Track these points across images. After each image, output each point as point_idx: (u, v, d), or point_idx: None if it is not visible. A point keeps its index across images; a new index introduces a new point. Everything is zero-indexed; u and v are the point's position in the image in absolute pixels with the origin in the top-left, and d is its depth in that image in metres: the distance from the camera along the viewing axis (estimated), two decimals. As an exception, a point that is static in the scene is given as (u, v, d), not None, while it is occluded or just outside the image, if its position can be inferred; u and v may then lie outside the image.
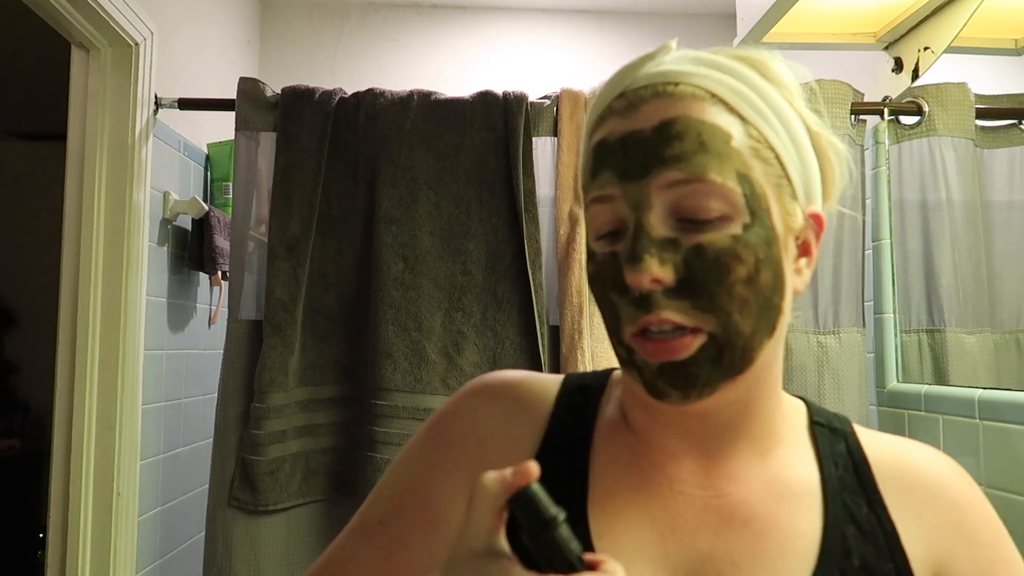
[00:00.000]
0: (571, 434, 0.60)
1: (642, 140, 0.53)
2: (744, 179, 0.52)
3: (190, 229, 1.91)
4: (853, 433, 0.61)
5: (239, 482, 1.57)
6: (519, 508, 0.45)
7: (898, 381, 1.69)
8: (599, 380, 0.65)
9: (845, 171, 0.59)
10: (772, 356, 0.56)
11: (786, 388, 0.62)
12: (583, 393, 0.63)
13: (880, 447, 0.60)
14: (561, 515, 0.45)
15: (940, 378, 1.59)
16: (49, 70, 2.33)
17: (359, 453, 1.59)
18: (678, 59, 0.56)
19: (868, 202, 1.76)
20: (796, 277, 0.56)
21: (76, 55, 1.64)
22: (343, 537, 0.64)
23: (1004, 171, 1.50)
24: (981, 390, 1.41)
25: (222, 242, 1.87)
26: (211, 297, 2.10)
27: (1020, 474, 1.31)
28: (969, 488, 0.59)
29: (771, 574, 0.54)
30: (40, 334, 2.75)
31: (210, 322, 2.11)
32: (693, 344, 0.51)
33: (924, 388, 1.58)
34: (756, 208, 0.52)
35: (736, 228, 0.51)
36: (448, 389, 1.59)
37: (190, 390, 1.99)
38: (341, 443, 1.63)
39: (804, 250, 0.56)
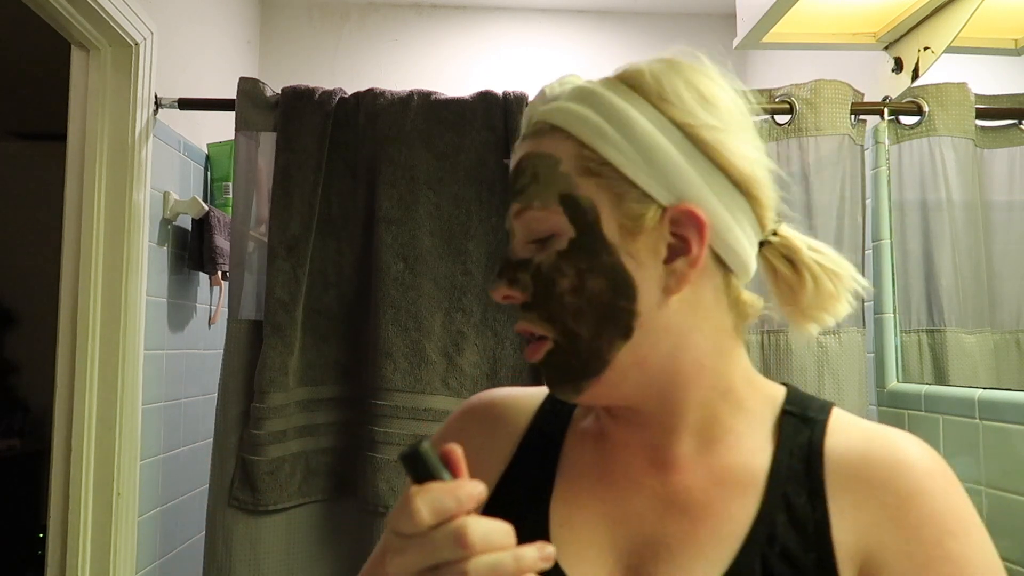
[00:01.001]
0: (545, 438, 0.67)
1: (511, 177, 0.62)
2: (568, 198, 0.58)
3: (190, 229, 1.91)
4: (824, 423, 0.60)
5: (239, 482, 1.57)
6: (408, 464, 0.47)
7: (898, 381, 1.69)
8: None
9: (744, 152, 0.61)
10: (661, 354, 0.58)
11: None
12: (562, 402, 0.68)
13: (846, 438, 0.59)
14: (447, 476, 0.47)
15: (940, 378, 1.59)
16: (49, 70, 2.33)
17: (359, 453, 1.59)
18: (554, 96, 0.63)
19: (868, 202, 1.76)
20: (670, 277, 0.57)
21: (76, 55, 1.64)
22: (374, 554, 0.70)
23: (1004, 171, 1.50)
24: (981, 390, 1.41)
25: (222, 242, 1.87)
26: (211, 297, 2.10)
27: (1020, 474, 1.31)
28: (922, 480, 0.55)
29: (698, 557, 0.56)
30: (40, 334, 2.75)
31: (210, 322, 2.10)
32: (542, 349, 0.59)
33: (924, 388, 1.58)
34: (582, 221, 0.57)
35: (562, 244, 0.58)
36: (448, 389, 1.59)
37: (190, 390, 1.99)
38: (341, 443, 1.63)
39: (683, 248, 0.57)
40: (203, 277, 2.04)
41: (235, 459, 1.59)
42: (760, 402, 0.62)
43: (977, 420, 1.41)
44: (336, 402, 1.64)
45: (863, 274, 1.69)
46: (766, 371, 1.68)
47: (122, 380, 1.61)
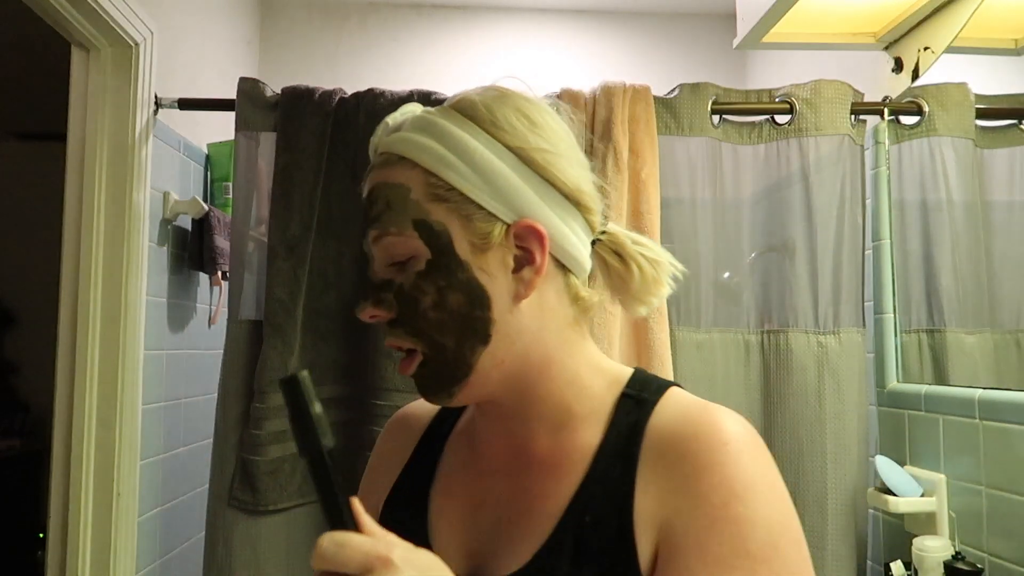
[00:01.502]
0: (435, 439, 0.76)
1: (365, 204, 0.68)
2: (421, 223, 0.64)
3: (190, 229, 1.91)
4: (654, 402, 0.65)
5: (239, 482, 1.57)
6: (285, 390, 0.51)
7: (898, 381, 1.69)
8: None
9: (581, 172, 0.68)
10: (515, 354, 0.65)
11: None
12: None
13: (667, 416, 0.64)
14: (318, 408, 0.51)
15: (940, 378, 1.59)
16: (49, 70, 2.33)
17: (359, 453, 1.59)
18: (395, 126, 0.68)
19: (868, 202, 1.76)
20: (518, 284, 0.64)
21: (76, 55, 1.64)
22: None
23: (1004, 171, 1.50)
24: (981, 390, 1.41)
25: (222, 242, 1.87)
26: (211, 297, 2.10)
27: (1020, 474, 1.31)
28: (717, 453, 0.59)
29: (525, 533, 0.64)
30: (40, 334, 2.75)
31: (210, 322, 2.10)
32: (414, 363, 0.65)
33: (924, 388, 1.58)
34: (436, 243, 0.63)
35: (420, 265, 0.64)
36: (448, 389, 1.59)
37: (190, 390, 1.99)
38: (341, 443, 1.63)
39: (528, 259, 0.64)
40: (203, 277, 2.04)
41: (235, 459, 1.59)
42: (604, 387, 0.68)
43: (977, 420, 1.41)
44: (336, 402, 1.64)
45: (863, 274, 1.70)
46: (766, 371, 1.68)
47: (122, 380, 1.61)
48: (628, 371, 0.69)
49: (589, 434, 0.65)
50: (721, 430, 0.61)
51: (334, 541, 0.49)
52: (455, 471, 0.72)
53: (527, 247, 0.64)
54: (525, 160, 0.65)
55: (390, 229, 0.65)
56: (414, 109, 0.69)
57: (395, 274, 0.65)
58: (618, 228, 0.72)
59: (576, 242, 0.67)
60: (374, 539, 0.50)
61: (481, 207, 0.64)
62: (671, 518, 0.58)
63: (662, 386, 0.67)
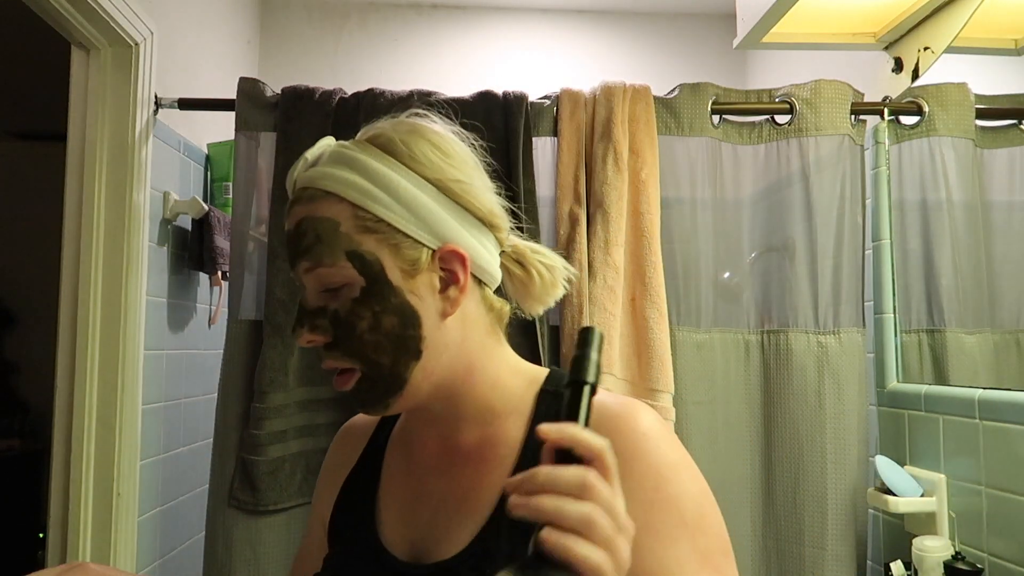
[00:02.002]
0: (376, 446, 0.83)
1: (290, 239, 0.71)
2: (353, 254, 0.68)
3: (190, 229, 1.91)
4: None
5: (239, 482, 1.57)
6: (584, 335, 0.57)
7: (898, 381, 1.69)
8: None
9: (482, 195, 0.73)
10: (443, 365, 0.71)
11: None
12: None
13: (596, 405, 0.69)
14: (597, 355, 0.57)
15: (940, 378, 1.59)
16: (49, 70, 2.33)
17: (359, 453, 1.59)
18: (316, 161, 0.72)
19: (868, 202, 1.76)
20: (445, 303, 0.70)
21: (76, 55, 1.64)
22: (300, 552, 0.90)
23: (1004, 171, 1.50)
24: (981, 390, 1.41)
25: (222, 242, 1.87)
26: (211, 297, 2.10)
27: (1020, 474, 1.31)
28: (641, 443, 0.67)
29: (463, 521, 0.70)
30: (40, 334, 2.75)
31: (210, 322, 2.10)
32: (352, 380, 0.69)
33: (924, 388, 1.58)
34: (369, 272, 0.68)
35: (355, 292, 0.68)
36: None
37: (190, 390, 1.99)
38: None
39: (452, 279, 0.71)
40: (203, 277, 2.04)
41: (235, 459, 1.59)
42: (524, 386, 0.75)
43: (977, 420, 1.41)
44: (336, 402, 1.64)
45: (863, 274, 1.70)
46: (766, 371, 1.68)
47: (122, 380, 1.61)
48: (544, 371, 0.78)
49: (513, 428, 0.73)
50: (639, 422, 0.69)
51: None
52: (395, 473, 0.78)
53: (451, 269, 0.70)
54: (443, 190, 0.71)
55: (323, 261, 0.68)
56: (329, 143, 0.75)
57: (328, 300, 0.69)
58: (519, 240, 0.78)
59: (489, 258, 0.74)
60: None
61: (408, 236, 0.69)
62: None
63: (576, 380, 0.70)
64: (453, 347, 0.71)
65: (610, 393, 0.73)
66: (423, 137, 0.74)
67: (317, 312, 0.70)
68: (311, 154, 0.73)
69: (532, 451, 0.69)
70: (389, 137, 0.74)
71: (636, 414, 0.69)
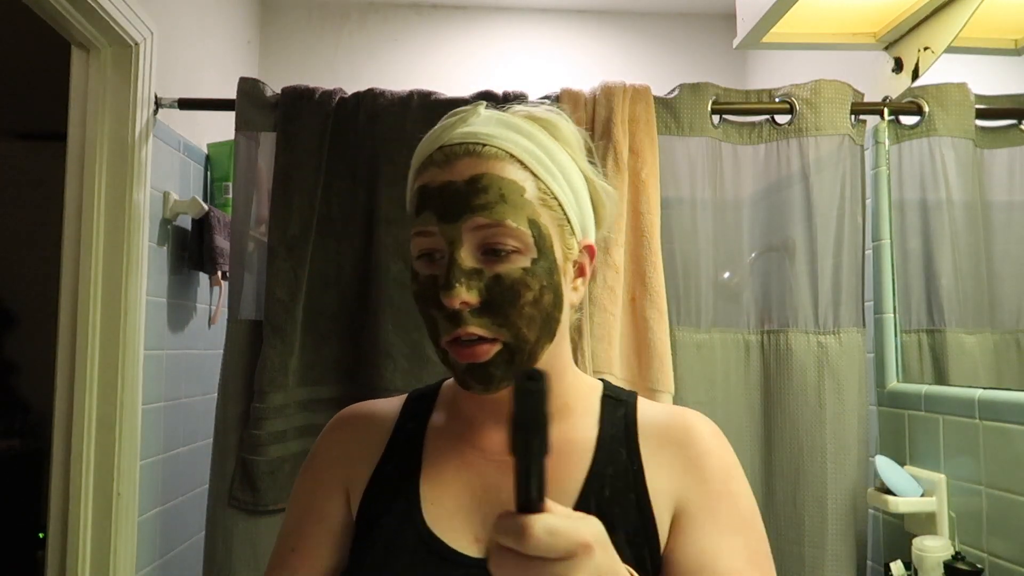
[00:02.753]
0: (410, 433, 0.79)
1: (456, 190, 0.67)
2: (533, 223, 0.68)
3: (190, 229, 1.91)
4: (634, 403, 0.78)
5: (239, 482, 1.57)
6: (523, 390, 0.48)
7: (898, 381, 1.69)
8: (432, 389, 0.83)
9: (613, 208, 0.78)
10: (556, 352, 0.73)
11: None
12: (420, 401, 0.82)
13: (652, 413, 0.77)
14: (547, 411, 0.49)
15: (940, 378, 1.59)
16: (49, 70, 2.33)
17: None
18: (486, 121, 0.70)
19: (868, 202, 1.76)
20: (573, 293, 0.73)
21: (76, 55, 1.64)
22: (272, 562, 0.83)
23: (1004, 171, 1.50)
24: (981, 390, 1.41)
25: (222, 242, 1.87)
26: (211, 297, 2.10)
27: (1020, 474, 1.31)
28: (711, 441, 0.74)
29: None
30: (40, 334, 2.75)
31: (210, 322, 2.10)
32: (491, 351, 0.67)
33: (924, 388, 1.58)
34: (542, 246, 0.68)
35: (526, 262, 0.67)
36: (448, 389, 1.59)
37: (190, 390, 1.99)
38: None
39: (579, 272, 0.74)
40: (203, 277, 2.04)
41: (235, 459, 1.59)
42: (587, 388, 0.79)
43: (977, 420, 1.41)
44: (336, 402, 1.64)
45: (863, 274, 1.70)
46: (766, 371, 1.68)
47: (122, 380, 1.61)
48: (597, 380, 0.81)
49: (585, 428, 0.75)
50: (705, 425, 0.76)
51: (547, 529, 0.48)
52: (445, 466, 0.75)
53: (582, 261, 0.74)
54: (589, 185, 0.74)
55: (506, 221, 0.66)
56: (494, 114, 0.72)
57: (485, 264, 0.67)
58: None
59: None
60: (574, 522, 0.50)
61: (569, 222, 0.71)
62: (682, 493, 0.71)
63: (631, 392, 0.80)
64: (560, 338, 0.73)
65: (663, 404, 0.79)
66: (575, 129, 0.75)
67: (473, 273, 0.67)
68: (483, 111, 0.72)
69: (607, 448, 0.73)
70: (559, 123, 0.73)
71: (699, 418, 0.76)
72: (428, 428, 0.79)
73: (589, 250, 0.75)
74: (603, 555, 0.51)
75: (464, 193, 0.67)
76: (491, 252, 0.67)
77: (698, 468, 0.72)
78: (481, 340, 0.67)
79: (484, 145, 0.68)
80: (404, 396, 0.84)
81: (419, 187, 0.71)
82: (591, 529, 0.51)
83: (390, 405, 0.83)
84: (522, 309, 0.67)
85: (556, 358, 0.74)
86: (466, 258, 0.67)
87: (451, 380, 0.83)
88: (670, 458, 0.73)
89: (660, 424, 0.75)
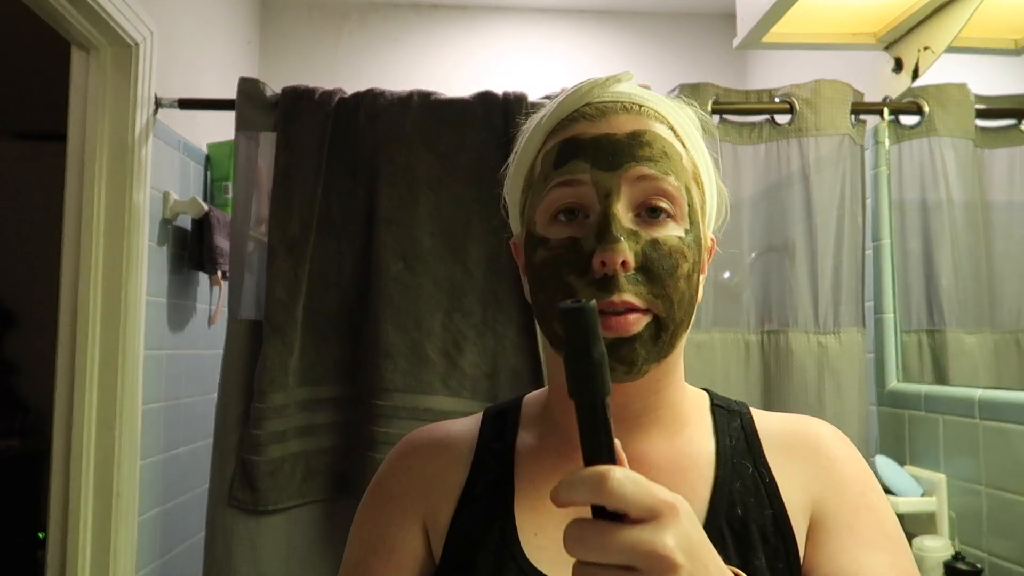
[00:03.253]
0: (497, 453, 0.69)
1: (616, 141, 0.61)
2: (689, 192, 0.62)
3: (190, 229, 1.91)
4: (748, 413, 0.71)
5: (239, 482, 1.57)
6: (570, 322, 0.41)
7: (898, 381, 1.69)
8: (513, 404, 0.74)
9: (724, 209, 0.71)
10: (682, 348, 0.65)
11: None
12: (501, 418, 0.72)
13: (770, 421, 0.70)
14: (601, 348, 0.42)
15: (940, 378, 1.59)
16: (49, 70, 2.33)
17: (359, 453, 1.59)
18: (633, 86, 0.66)
19: (868, 202, 1.76)
20: (698, 287, 0.64)
21: (76, 55, 1.64)
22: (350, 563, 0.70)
23: (1004, 171, 1.50)
24: (981, 390, 1.41)
25: (222, 242, 1.87)
26: (211, 297, 2.10)
27: (1020, 474, 1.31)
28: (842, 448, 0.68)
29: None
30: (40, 334, 2.75)
31: (210, 322, 2.10)
32: (641, 322, 0.58)
33: (924, 388, 1.58)
34: (694, 218, 0.62)
35: (680, 231, 0.60)
36: (448, 390, 1.59)
37: (190, 390, 1.99)
38: (341, 443, 1.63)
39: (702, 267, 0.65)
40: (203, 277, 2.04)
41: (235, 459, 1.59)
42: (695, 399, 0.71)
43: (977, 420, 1.41)
44: (336, 402, 1.64)
45: (863, 274, 1.70)
46: (766, 371, 1.68)
47: (122, 380, 1.61)
48: (700, 389, 0.73)
49: (701, 439, 0.67)
50: (833, 431, 0.69)
51: (629, 478, 0.41)
52: (543, 487, 0.65)
53: (704, 260, 0.66)
54: (713, 184, 0.69)
55: (670, 176, 0.60)
56: (636, 84, 0.68)
57: (639, 226, 0.59)
58: None
59: None
60: (652, 487, 0.43)
61: (705, 211, 0.66)
62: (819, 503, 0.64)
63: (739, 401, 0.73)
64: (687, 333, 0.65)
65: (779, 413, 0.72)
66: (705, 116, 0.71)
67: (631, 234, 0.59)
68: (618, 76, 0.66)
69: (731, 461, 0.66)
70: (698, 116, 0.69)
71: (829, 425, 0.70)
72: (516, 448, 0.69)
73: (712, 248, 0.69)
74: (693, 528, 0.43)
75: (626, 145, 0.60)
76: (647, 214, 0.60)
77: (833, 478, 0.65)
78: (629, 310, 0.58)
79: (641, 106, 0.64)
80: (478, 415, 0.74)
81: (563, 141, 0.62)
82: (677, 498, 0.43)
83: (465, 426, 0.73)
84: (678, 282, 0.59)
85: (677, 358, 0.66)
86: (619, 214, 0.59)
87: (535, 394, 0.74)
88: (801, 468, 0.66)
89: (785, 432, 0.68)
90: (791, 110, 1.70)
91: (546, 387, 0.72)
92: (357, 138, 1.65)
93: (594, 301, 0.42)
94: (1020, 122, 1.48)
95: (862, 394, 1.65)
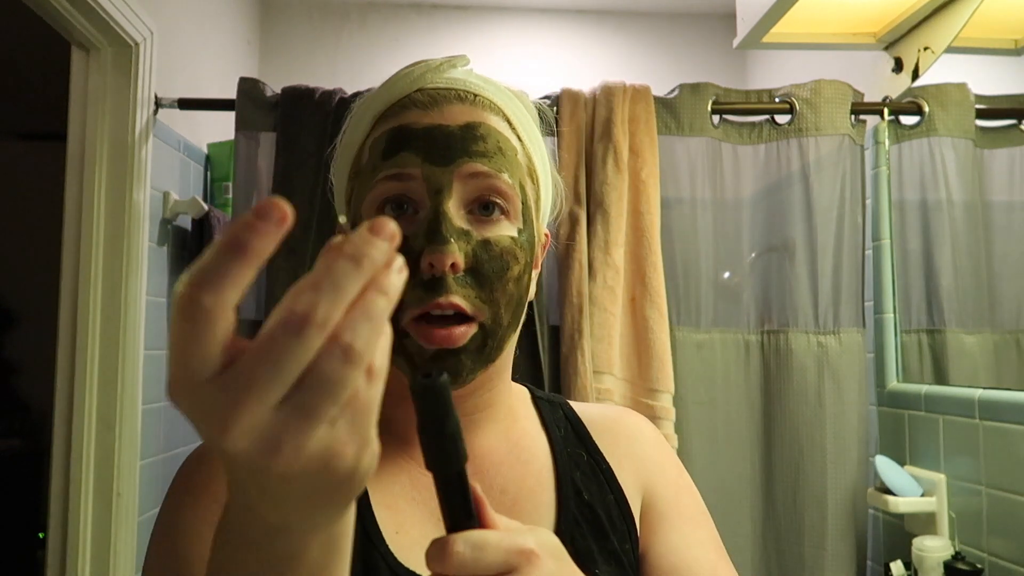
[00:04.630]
0: None
1: (449, 134, 0.58)
2: (523, 189, 0.60)
3: (190, 229, 1.91)
4: (567, 404, 0.73)
5: (239, 482, 1.57)
6: (421, 397, 0.39)
7: (898, 381, 1.69)
8: None
9: (559, 201, 0.70)
10: (510, 347, 0.64)
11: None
12: None
13: (590, 410, 0.72)
14: (455, 419, 0.40)
15: (940, 378, 1.59)
16: (49, 70, 2.33)
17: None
18: (468, 73, 0.63)
19: (868, 202, 1.76)
20: (532, 282, 0.63)
21: (76, 55, 1.64)
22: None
23: (1004, 171, 1.50)
24: (981, 390, 1.41)
25: (222, 242, 1.86)
26: (211, 297, 2.10)
27: (1020, 474, 1.31)
28: (655, 433, 0.73)
29: (523, 520, 0.58)
30: (40, 334, 2.75)
31: (210, 322, 2.10)
32: (468, 333, 0.56)
33: (924, 388, 1.58)
34: (527, 217, 0.60)
35: (513, 231, 0.59)
36: (448, 389, 1.59)
37: (190, 390, 1.98)
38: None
39: (536, 263, 0.64)
40: (203, 277, 2.03)
41: (235, 459, 1.59)
42: (519, 393, 0.71)
43: (977, 420, 1.41)
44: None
45: (863, 274, 1.70)
46: (766, 371, 1.68)
47: (122, 380, 1.61)
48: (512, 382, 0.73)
49: (532, 431, 0.69)
50: (643, 418, 0.75)
51: (469, 543, 0.39)
52: (392, 487, 0.62)
53: (538, 254, 0.65)
54: (550, 178, 0.68)
55: (503, 173, 0.58)
56: (472, 70, 0.64)
57: (471, 225, 0.57)
58: None
59: None
60: (509, 532, 0.41)
61: (540, 208, 0.65)
62: (648, 487, 0.68)
63: (553, 393, 0.76)
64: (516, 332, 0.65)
65: (600, 403, 0.75)
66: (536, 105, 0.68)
67: (462, 234, 0.56)
68: (453, 60, 0.62)
69: (565, 450, 0.67)
70: (523, 94, 0.66)
71: (639, 415, 0.74)
72: None
73: (546, 242, 0.68)
74: (555, 565, 0.42)
75: (459, 138, 0.57)
76: (480, 211, 0.58)
77: (655, 461, 0.70)
78: (458, 318, 0.56)
79: (476, 95, 0.61)
80: None
81: (392, 129, 0.59)
82: (538, 538, 0.42)
83: None
84: (506, 285, 0.57)
85: (506, 357, 0.65)
86: (451, 212, 0.56)
87: None
88: (627, 454, 0.69)
89: (608, 420, 0.71)
90: (791, 110, 1.70)
91: None
92: (357, 138, 1.65)
93: (446, 376, 0.39)
94: (1020, 122, 1.48)
95: (862, 394, 1.65)
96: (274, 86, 1.72)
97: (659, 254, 1.62)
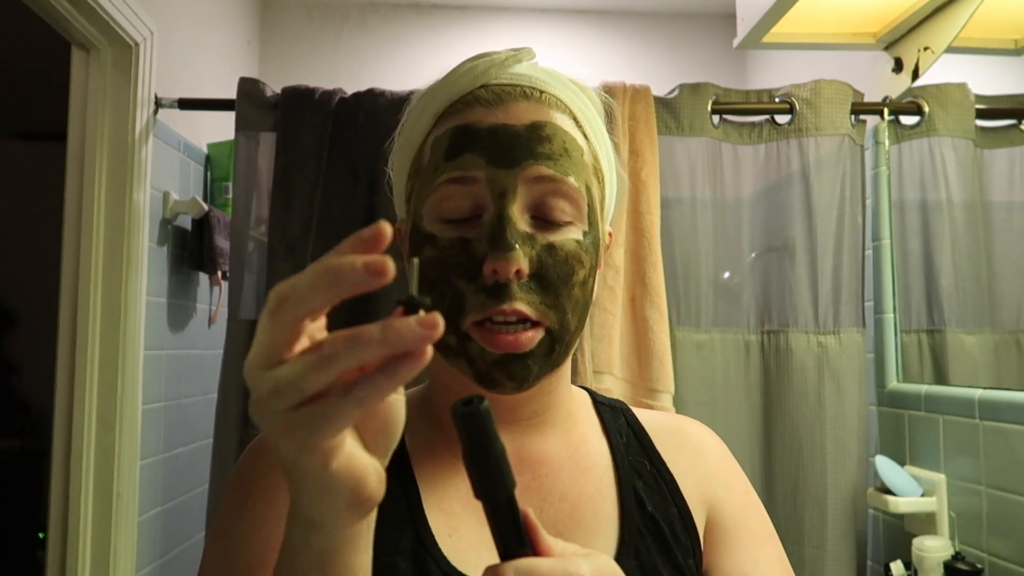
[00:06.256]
0: (393, 457, 0.62)
1: (514, 134, 0.56)
2: (589, 191, 0.58)
3: (190, 229, 1.91)
4: (629, 410, 0.70)
5: (239, 482, 1.57)
6: (464, 424, 0.40)
7: (898, 381, 1.69)
8: None
9: (624, 197, 0.69)
10: (574, 350, 0.63)
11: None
12: None
13: (653, 418, 0.70)
14: (501, 444, 0.41)
15: (940, 378, 1.59)
16: (49, 70, 2.33)
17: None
18: (533, 67, 0.61)
19: (868, 202, 1.76)
20: (596, 286, 0.62)
21: (76, 55, 1.64)
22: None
23: (1004, 171, 1.50)
24: (981, 390, 1.41)
25: (222, 242, 1.87)
26: (211, 297, 2.10)
27: (1020, 474, 1.31)
28: (721, 446, 0.70)
29: (589, 535, 0.60)
30: (40, 334, 2.75)
31: (210, 322, 2.10)
32: (536, 338, 0.55)
33: (924, 388, 1.58)
34: (593, 219, 0.58)
35: (578, 234, 0.57)
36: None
37: (190, 390, 1.98)
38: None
39: (599, 266, 0.62)
40: (203, 277, 2.04)
41: (235, 459, 1.59)
42: (579, 397, 0.69)
43: (977, 420, 1.41)
44: (336, 402, 1.64)
45: (863, 274, 1.70)
46: (766, 371, 1.68)
47: (122, 380, 1.61)
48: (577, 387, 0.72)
49: (593, 438, 0.66)
50: (709, 430, 0.71)
51: (522, 571, 0.39)
52: (446, 488, 0.61)
53: (601, 255, 0.63)
54: (615, 175, 0.66)
55: (569, 177, 0.56)
56: (538, 63, 0.62)
57: (535, 229, 0.56)
58: None
59: None
60: (563, 559, 0.41)
61: (606, 209, 0.63)
62: (714, 500, 0.65)
63: (615, 399, 0.72)
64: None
65: (653, 411, 0.72)
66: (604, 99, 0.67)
67: (527, 238, 0.55)
68: (518, 55, 0.60)
69: (627, 459, 0.65)
70: (589, 88, 0.64)
71: (705, 426, 0.72)
72: (409, 449, 0.63)
73: (610, 243, 0.66)
74: None
75: (524, 139, 0.56)
76: (544, 215, 0.56)
77: (721, 476, 0.67)
78: (523, 323, 0.54)
79: (543, 92, 0.59)
80: None
81: (455, 128, 0.58)
82: (593, 564, 0.41)
83: None
84: (572, 289, 0.56)
85: (567, 361, 0.64)
86: (514, 216, 0.55)
87: (415, 389, 0.67)
88: (691, 466, 0.66)
89: (670, 430, 0.68)
90: (791, 110, 1.70)
91: (425, 383, 0.67)
92: (357, 138, 1.65)
93: (487, 402, 0.40)
94: (1020, 122, 1.48)
95: (862, 394, 1.65)
96: (274, 86, 1.72)
97: (659, 254, 1.62)
